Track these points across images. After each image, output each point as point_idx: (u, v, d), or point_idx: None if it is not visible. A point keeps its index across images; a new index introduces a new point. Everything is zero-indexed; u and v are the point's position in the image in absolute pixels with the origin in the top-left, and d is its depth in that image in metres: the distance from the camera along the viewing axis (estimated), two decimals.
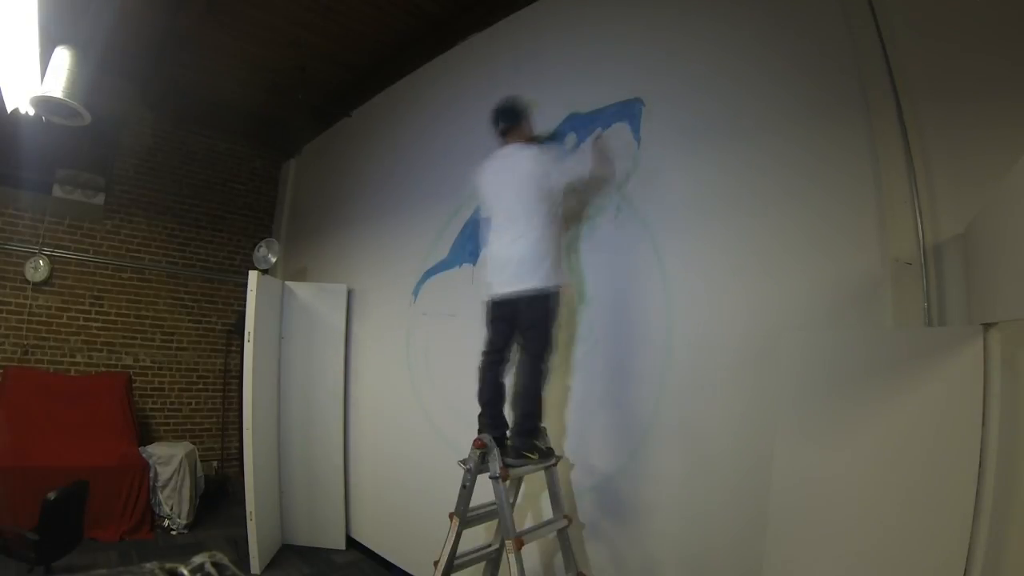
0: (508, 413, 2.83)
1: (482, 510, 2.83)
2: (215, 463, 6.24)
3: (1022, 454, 1.55)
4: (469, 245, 3.91)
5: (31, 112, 3.35)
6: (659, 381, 2.70)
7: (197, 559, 0.97)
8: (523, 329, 2.77)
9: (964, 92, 1.94)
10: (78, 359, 5.56)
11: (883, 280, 2.04)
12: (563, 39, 3.50)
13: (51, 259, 5.43)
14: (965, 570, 1.49)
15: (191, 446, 5.45)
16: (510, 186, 2.85)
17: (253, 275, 4.38)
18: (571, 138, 3.31)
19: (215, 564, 0.97)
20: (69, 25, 3.22)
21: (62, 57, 3.20)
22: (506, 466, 2.59)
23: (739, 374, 2.40)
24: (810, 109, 2.34)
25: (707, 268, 2.60)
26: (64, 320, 5.51)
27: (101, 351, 5.70)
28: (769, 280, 2.37)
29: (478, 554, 2.84)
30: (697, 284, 2.63)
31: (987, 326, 1.59)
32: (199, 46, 4.77)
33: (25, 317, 5.30)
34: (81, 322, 5.61)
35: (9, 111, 3.51)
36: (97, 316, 5.71)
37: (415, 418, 4.11)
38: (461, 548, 2.69)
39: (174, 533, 4.78)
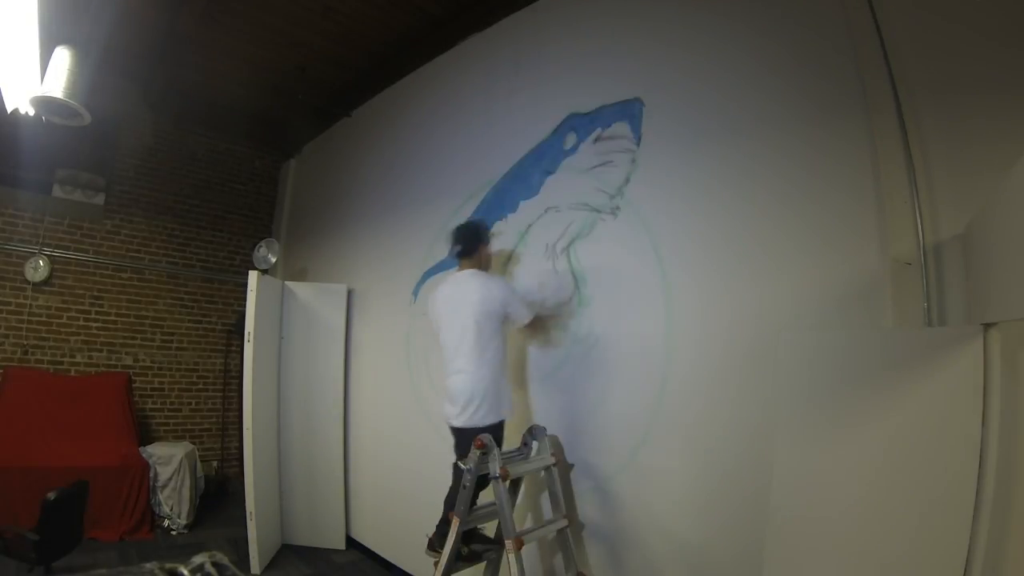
0: None
1: (482, 510, 2.84)
2: (215, 463, 6.24)
3: (1022, 454, 1.55)
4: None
5: (31, 112, 3.35)
6: (659, 380, 2.69)
7: (197, 559, 0.97)
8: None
9: (964, 91, 1.93)
10: (78, 359, 5.56)
11: (883, 280, 2.04)
12: (563, 39, 3.50)
13: (51, 259, 5.44)
14: (965, 569, 1.49)
15: (191, 446, 5.45)
16: (460, 316, 2.91)
17: (253, 275, 4.38)
18: (571, 138, 3.31)
19: (215, 564, 0.97)
20: (69, 25, 3.22)
21: (62, 57, 3.20)
22: (505, 465, 2.61)
23: (739, 374, 2.40)
24: (810, 109, 2.34)
25: (707, 267, 2.59)
26: (64, 320, 5.52)
27: (101, 351, 5.70)
28: (769, 280, 2.37)
29: (479, 548, 2.87)
30: (697, 283, 2.62)
31: (987, 326, 1.59)
32: (199, 46, 4.77)
33: (25, 317, 5.30)
34: (81, 322, 5.61)
35: (9, 111, 3.51)
36: (97, 316, 5.71)
37: (415, 418, 4.11)
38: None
39: (174, 533, 4.78)
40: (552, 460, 2.88)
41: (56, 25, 3.04)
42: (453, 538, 2.66)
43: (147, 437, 5.57)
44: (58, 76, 3.18)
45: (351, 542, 4.71)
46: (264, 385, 4.52)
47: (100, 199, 5.65)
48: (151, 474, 4.80)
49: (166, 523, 4.82)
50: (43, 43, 2.95)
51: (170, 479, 4.87)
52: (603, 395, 2.93)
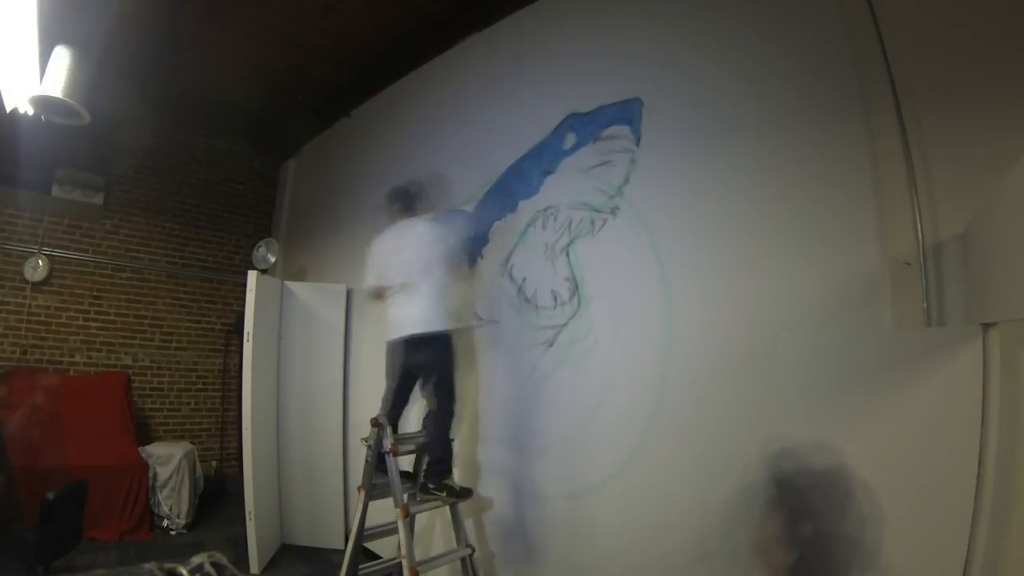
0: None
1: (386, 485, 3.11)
2: (214, 463, 6.24)
3: (1021, 452, 1.55)
4: (468, 245, 3.91)
5: (30, 112, 3.34)
6: (658, 381, 2.70)
7: (196, 559, 0.96)
8: (425, 373, 3.19)
9: (963, 92, 1.94)
10: (77, 359, 5.55)
11: (882, 280, 2.04)
12: (563, 39, 3.50)
13: (50, 259, 5.43)
14: (965, 569, 1.50)
15: (190, 446, 5.44)
16: (405, 256, 3.19)
17: (252, 275, 4.37)
18: (570, 138, 3.31)
19: (214, 564, 0.97)
20: (69, 25, 3.21)
21: (62, 57, 3.18)
22: (415, 501, 3.08)
23: (739, 374, 2.40)
24: (809, 109, 2.34)
25: (707, 268, 2.60)
26: (63, 320, 5.51)
27: (100, 351, 5.69)
28: (769, 279, 2.37)
29: (385, 527, 3.21)
30: (697, 284, 2.63)
31: (986, 326, 1.59)
32: (199, 46, 4.77)
33: (24, 317, 5.30)
34: (80, 322, 5.61)
35: (8, 111, 3.50)
36: (96, 316, 5.70)
37: (413, 418, 4.10)
38: (371, 521, 3.14)
39: (173, 533, 4.77)
40: (459, 498, 3.12)
41: (56, 24, 3.03)
42: (361, 509, 3.07)
43: (146, 437, 5.57)
44: (57, 75, 3.17)
45: None
46: (263, 385, 4.51)
47: (99, 199, 5.66)
48: (150, 474, 4.79)
49: (165, 523, 4.81)
50: (43, 42, 2.94)
51: (169, 479, 4.86)
52: (603, 394, 2.93)
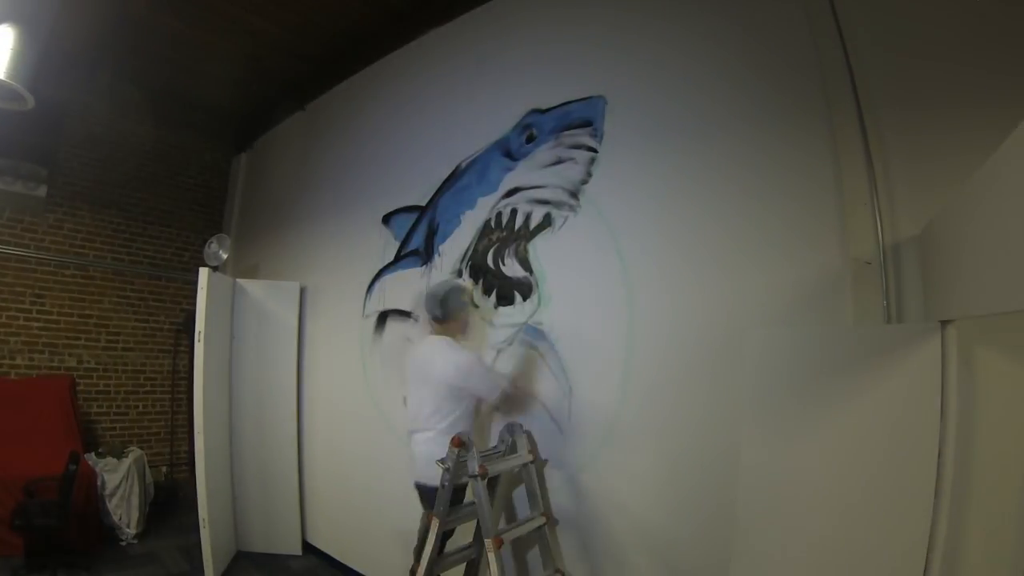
0: None
1: (462, 510, 2.80)
2: (164, 468, 6.02)
3: (978, 445, 1.59)
4: (417, 239, 3.87)
5: None
6: (621, 378, 2.70)
7: None
8: None
9: (923, 97, 1.99)
10: (18, 361, 5.29)
11: (843, 278, 2.08)
12: (526, 35, 3.47)
13: None
14: (927, 557, 1.54)
15: (139, 451, 5.24)
16: (425, 382, 2.88)
17: (204, 272, 4.22)
18: (531, 134, 3.28)
19: None
20: (13, 3, 3.03)
21: (6, 35, 2.99)
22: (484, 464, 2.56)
23: (703, 370, 2.42)
24: (773, 110, 2.37)
25: (670, 265, 2.61)
26: (3, 320, 5.25)
27: (43, 352, 5.43)
28: (732, 278, 2.40)
29: (458, 555, 2.87)
30: (660, 281, 2.64)
31: (944, 323, 1.63)
32: (149, 33, 4.61)
33: None
34: (21, 322, 5.35)
35: None
36: (38, 315, 5.44)
37: (371, 418, 4.04)
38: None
39: (123, 544, 4.57)
40: (529, 457, 2.82)
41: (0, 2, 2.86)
42: (433, 539, 2.62)
43: (93, 443, 5.36)
44: (1, 55, 2.98)
45: (307, 547, 4.60)
46: (215, 386, 4.37)
47: (42, 191, 5.39)
48: (98, 482, 4.59)
49: (115, 533, 4.61)
50: None
51: (118, 487, 4.66)
52: (564, 392, 2.92)
